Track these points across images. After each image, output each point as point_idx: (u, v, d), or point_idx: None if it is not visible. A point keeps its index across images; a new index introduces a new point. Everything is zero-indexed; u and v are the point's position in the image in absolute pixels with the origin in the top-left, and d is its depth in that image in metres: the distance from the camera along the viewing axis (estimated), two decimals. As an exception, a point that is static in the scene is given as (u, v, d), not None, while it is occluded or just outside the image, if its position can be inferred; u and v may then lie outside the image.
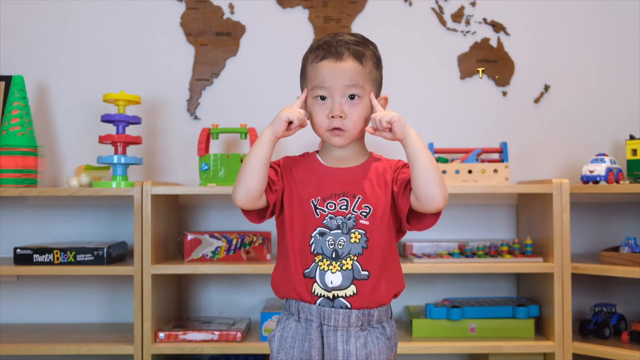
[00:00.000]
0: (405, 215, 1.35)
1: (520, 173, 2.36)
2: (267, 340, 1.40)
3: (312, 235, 1.33)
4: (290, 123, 1.33)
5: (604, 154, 2.13)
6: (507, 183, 2.15)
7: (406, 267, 2.03)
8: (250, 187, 1.32)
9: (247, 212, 1.39)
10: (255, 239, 2.16)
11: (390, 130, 1.30)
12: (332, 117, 1.33)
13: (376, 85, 1.39)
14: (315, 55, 1.37)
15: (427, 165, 1.28)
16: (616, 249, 2.11)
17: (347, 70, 1.33)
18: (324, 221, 1.33)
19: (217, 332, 2.04)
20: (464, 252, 2.20)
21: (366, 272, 1.32)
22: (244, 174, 1.33)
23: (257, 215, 1.40)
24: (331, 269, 1.31)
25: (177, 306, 2.33)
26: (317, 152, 1.45)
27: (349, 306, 1.31)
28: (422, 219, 1.35)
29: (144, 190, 2.00)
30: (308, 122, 1.39)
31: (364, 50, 1.36)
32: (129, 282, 2.07)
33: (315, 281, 1.32)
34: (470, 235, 2.37)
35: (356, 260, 1.32)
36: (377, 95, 1.40)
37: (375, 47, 1.41)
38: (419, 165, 1.29)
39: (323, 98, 1.35)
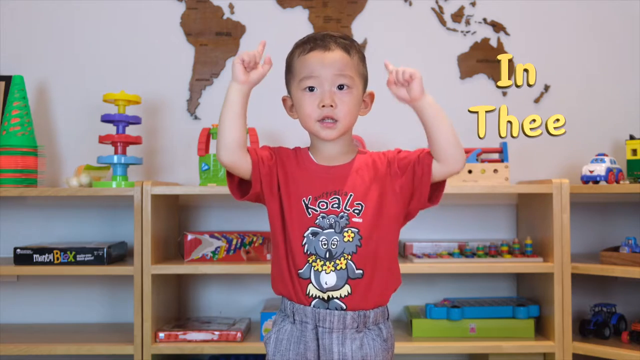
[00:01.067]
0: (427, 192, 1.33)
1: (520, 173, 2.36)
2: (263, 342, 1.40)
3: (305, 235, 1.31)
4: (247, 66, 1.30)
5: (604, 154, 2.13)
6: (507, 183, 2.15)
7: (406, 267, 2.03)
8: (229, 139, 1.30)
9: (230, 180, 1.36)
10: (255, 239, 2.15)
11: (408, 85, 1.27)
12: (323, 106, 1.31)
13: (363, 80, 1.38)
14: (302, 49, 1.36)
15: (449, 128, 1.30)
16: (616, 249, 2.11)
17: (336, 60, 1.33)
18: (316, 220, 1.31)
19: (217, 332, 2.04)
20: (464, 252, 2.20)
21: (360, 271, 1.30)
22: (220, 129, 1.30)
23: (240, 192, 1.37)
24: (325, 269, 1.30)
25: (177, 306, 2.33)
26: (309, 148, 1.43)
27: (344, 307, 1.30)
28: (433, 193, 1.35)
29: (144, 190, 2.01)
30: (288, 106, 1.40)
31: (351, 43, 1.37)
32: (129, 282, 2.07)
33: (310, 282, 1.30)
34: (470, 235, 2.37)
35: (350, 260, 1.30)
36: (363, 92, 1.39)
37: (360, 45, 1.41)
38: (442, 129, 1.29)
39: (312, 89, 1.33)
